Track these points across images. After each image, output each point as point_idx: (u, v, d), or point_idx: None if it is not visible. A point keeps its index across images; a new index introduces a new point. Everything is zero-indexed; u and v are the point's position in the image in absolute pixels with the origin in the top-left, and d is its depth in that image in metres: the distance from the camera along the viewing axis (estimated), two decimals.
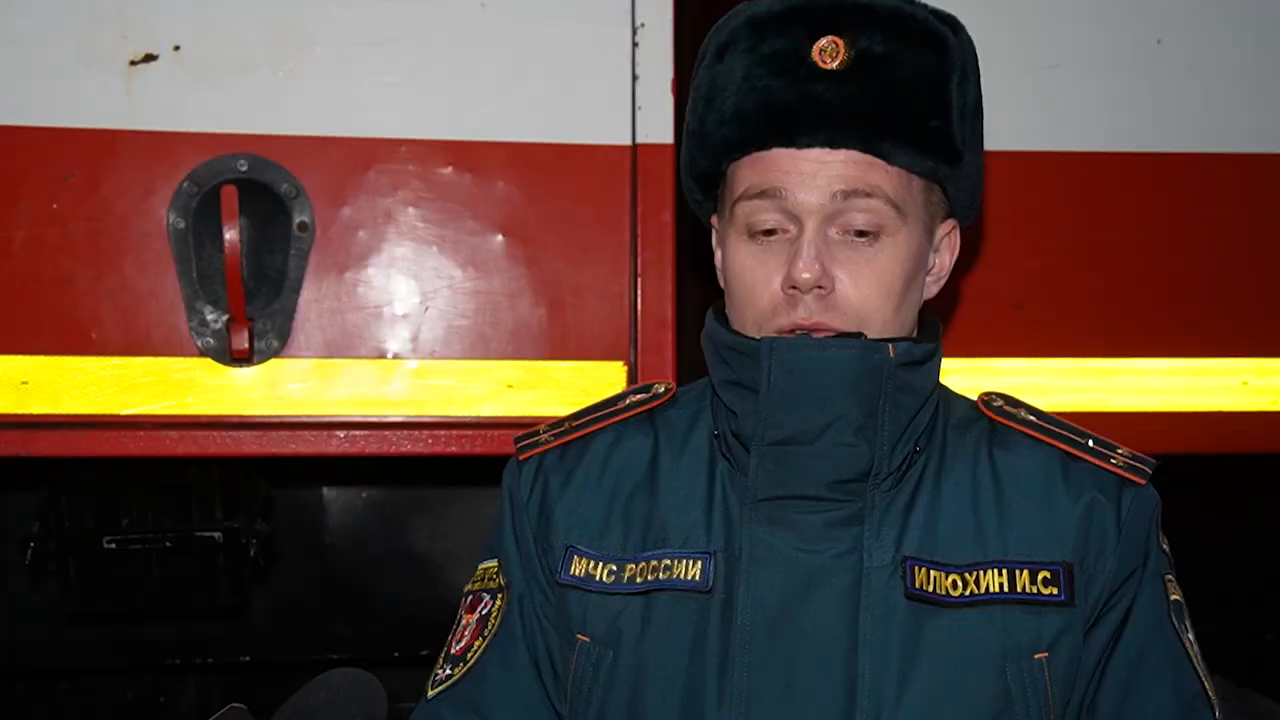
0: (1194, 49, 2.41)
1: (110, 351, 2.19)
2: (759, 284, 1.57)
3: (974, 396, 1.76)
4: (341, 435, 2.24)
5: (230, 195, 2.16)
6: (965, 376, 2.34)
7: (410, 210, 2.24)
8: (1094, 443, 1.67)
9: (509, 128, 2.25)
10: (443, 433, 2.26)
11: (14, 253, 2.16)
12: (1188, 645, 1.64)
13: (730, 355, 1.60)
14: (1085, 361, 2.41)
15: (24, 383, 2.17)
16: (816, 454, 1.57)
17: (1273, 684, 3.24)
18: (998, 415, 1.71)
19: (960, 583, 1.59)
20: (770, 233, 1.57)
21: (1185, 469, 2.21)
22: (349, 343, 2.24)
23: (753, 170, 1.58)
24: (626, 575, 1.65)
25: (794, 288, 1.54)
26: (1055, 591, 1.59)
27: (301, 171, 2.21)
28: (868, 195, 1.54)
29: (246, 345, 2.18)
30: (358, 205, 2.23)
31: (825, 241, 1.55)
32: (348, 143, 2.22)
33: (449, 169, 2.25)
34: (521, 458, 1.77)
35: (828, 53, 1.54)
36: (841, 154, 1.54)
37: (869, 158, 1.54)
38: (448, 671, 1.74)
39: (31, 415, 2.18)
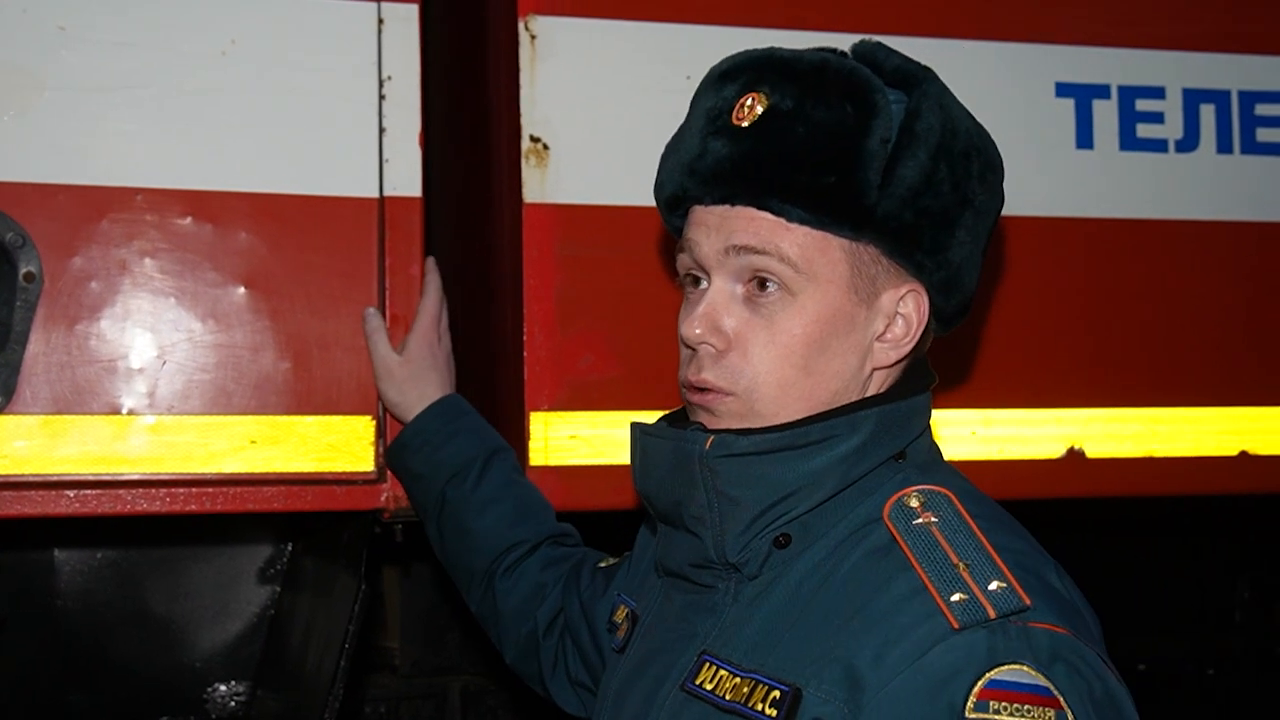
0: None
1: None
2: (680, 335, 1.59)
3: (909, 490, 1.51)
4: (72, 495, 2.13)
5: None
6: None
7: (147, 261, 2.17)
8: (967, 591, 1.37)
9: (252, 178, 2.20)
10: (182, 490, 2.18)
11: None
12: None
13: None
14: None
15: None
16: (679, 534, 1.59)
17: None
18: (895, 526, 1.47)
19: (737, 688, 1.46)
20: (697, 284, 1.58)
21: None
22: (80, 398, 2.14)
23: (685, 222, 1.60)
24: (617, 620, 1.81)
25: (688, 344, 1.56)
26: (774, 714, 1.40)
27: (28, 220, 2.11)
28: (760, 252, 1.50)
29: None
30: (90, 255, 2.15)
31: (730, 299, 1.54)
32: (79, 191, 2.14)
33: (188, 219, 2.18)
34: None
35: (744, 109, 1.52)
36: (740, 210, 1.52)
37: (767, 214, 1.51)
38: None
39: None
